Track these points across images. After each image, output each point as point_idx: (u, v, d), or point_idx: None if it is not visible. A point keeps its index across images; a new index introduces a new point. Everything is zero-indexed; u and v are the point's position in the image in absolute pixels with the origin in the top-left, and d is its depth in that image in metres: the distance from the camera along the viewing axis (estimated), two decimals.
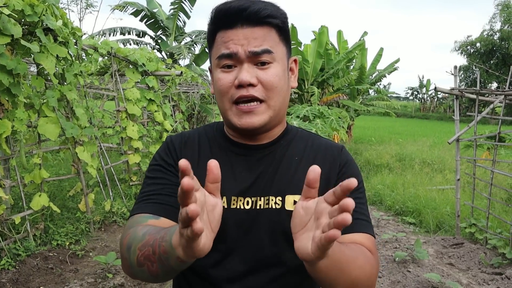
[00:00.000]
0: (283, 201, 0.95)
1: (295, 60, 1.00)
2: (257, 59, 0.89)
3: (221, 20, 0.90)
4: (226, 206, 0.95)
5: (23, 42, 3.11)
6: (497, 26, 30.88)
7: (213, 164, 0.66)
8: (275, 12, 0.91)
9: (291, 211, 0.92)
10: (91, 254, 3.95)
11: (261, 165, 0.98)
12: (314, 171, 0.67)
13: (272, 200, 0.95)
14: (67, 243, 3.97)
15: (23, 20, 3.26)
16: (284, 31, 0.94)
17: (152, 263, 0.75)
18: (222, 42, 0.90)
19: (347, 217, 0.58)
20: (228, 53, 0.89)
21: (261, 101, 0.91)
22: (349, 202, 0.59)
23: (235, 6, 0.88)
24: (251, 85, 0.89)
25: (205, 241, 0.66)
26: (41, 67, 3.60)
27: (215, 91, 0.96)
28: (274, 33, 0.92)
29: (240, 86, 0.89)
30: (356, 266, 0.81)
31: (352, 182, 0.61)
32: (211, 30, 0.94)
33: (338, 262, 0.75)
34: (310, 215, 0.70)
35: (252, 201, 0.95)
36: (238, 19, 0.88)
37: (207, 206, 0.68)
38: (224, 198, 0.95)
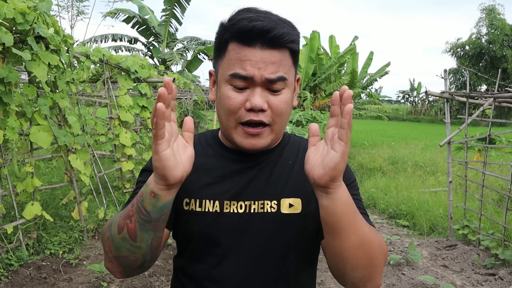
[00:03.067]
0: (278, 204, 0.96)
1: (297, 80, 1.00)
2: (271, 86, 0.89)
3: (241, 36, 0.88)
4: (219, 211, 0.95)
5: (14, 50, 3.09)
6: (484, 29, 31.32)
7: (188, 119, 0.80)
8: (295, 37, 0.90)
9: (287, 214, 0.95)
10: (85, 262, 3.92)
11: (254, 169, 0.99)
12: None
13: (267, 204, 0.96)
14: (61, 252, 3.93)
15: (14, 28, 3.25)
16: (297, 54, 0.94)
17: (131, 218, 0.80)
18: (237, 59, 0.88)
19: (350, 105, 0.70)
20: (244, 75, 0.87)
21: (266, 125, 0.91)
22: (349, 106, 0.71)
23: (260, 26, 0.85)
24: (261, 110, 0.89)
25: (173, 163, 0.75)
26: (32, 75, 3.59)
27: (221, 107, 0.94)
28: (288, 56, 0.91)
29: (251, 110, 0.89)
30: (365, 225, 0.83)
31: (345, 88, 0.72)
32: (224, 39, 0.91)
33: (350, 212, 0.80)
34: (322, 148, 0.78)
35: (246, 205, 0.96)
36: (260, 40, 0.87)
37: (179, 143, 0.79)
38: (217, 203, 0.95)
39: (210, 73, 1.01)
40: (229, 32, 0.89)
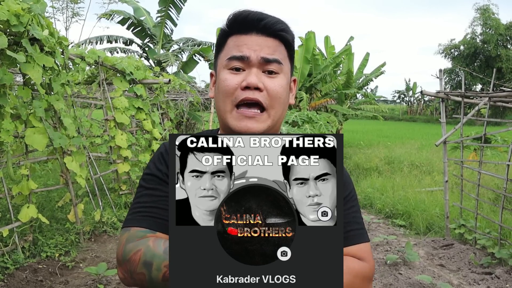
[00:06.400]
0: None
1: (294, 80, 1.03)
2: (267, 66, 0.93)
3: (238, 25, 0.95)
4: None
5: (9, 52, 3.08)
6: (479, 29, 31.49)
7: None
8: (288, 29, 0.98)
9: None
10: (81, 265, 3.90)
11: None
12: None
13: None
14: (57, 255, 3.91)
15: (8, 30, 3.23)
16: (292, 49, 1.00)
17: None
18: (235, 45, 0.94)
19: None
20: (240, 56, 0.92)
21: (262, 109, 0.93)
22: None
23: (254, 15, 0.94)
24: (257, 89, 0.91)
25: None
26: (27, 77, 3.57)
27: (218, 92, 0.96)
28: (283, 48, 0.97)
29: (247, 88, 0.91)
30: None
31: None
32: (224, 34, 0.98)
33: None
34: None
35: None
36: (255, 27, 0.94)
37: None
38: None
39: (211, 74, 1.04)
40: (228, 25, 0.96)
